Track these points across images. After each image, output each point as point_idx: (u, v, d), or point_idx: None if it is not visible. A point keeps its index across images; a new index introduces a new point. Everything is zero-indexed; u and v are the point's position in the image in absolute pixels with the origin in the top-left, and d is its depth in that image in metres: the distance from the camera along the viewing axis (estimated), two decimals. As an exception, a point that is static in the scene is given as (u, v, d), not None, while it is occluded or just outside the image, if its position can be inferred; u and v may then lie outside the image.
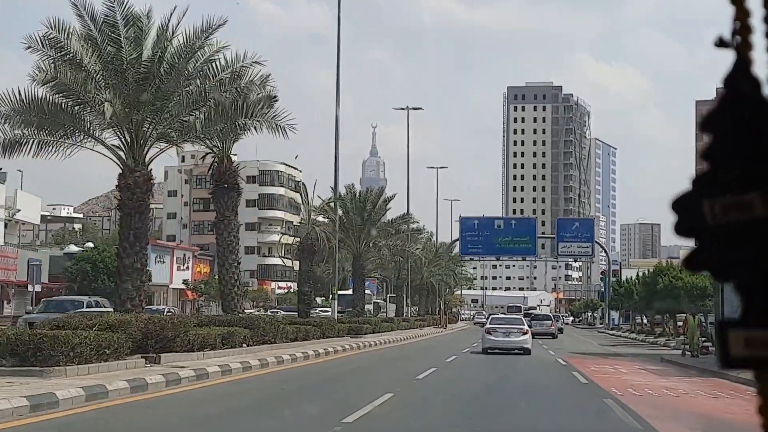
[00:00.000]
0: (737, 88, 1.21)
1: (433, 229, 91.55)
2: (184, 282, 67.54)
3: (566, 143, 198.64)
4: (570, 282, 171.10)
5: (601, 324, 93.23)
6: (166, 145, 23.71)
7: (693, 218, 1.21)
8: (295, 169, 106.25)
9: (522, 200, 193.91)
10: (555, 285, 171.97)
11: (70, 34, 21.97)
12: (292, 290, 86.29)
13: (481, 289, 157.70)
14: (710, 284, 36.94)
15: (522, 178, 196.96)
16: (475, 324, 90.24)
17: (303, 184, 50.47)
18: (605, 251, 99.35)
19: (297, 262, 47.07)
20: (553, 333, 55.85)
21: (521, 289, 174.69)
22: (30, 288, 44.67)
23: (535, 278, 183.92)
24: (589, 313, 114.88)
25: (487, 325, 34.88)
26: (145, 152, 22.64)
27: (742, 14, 1.21)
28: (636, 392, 17.75)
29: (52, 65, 21.65)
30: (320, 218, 48.90)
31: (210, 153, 30.82)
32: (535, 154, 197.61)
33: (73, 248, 63.92)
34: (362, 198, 52.80)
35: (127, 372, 16.39)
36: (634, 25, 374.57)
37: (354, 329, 39.89)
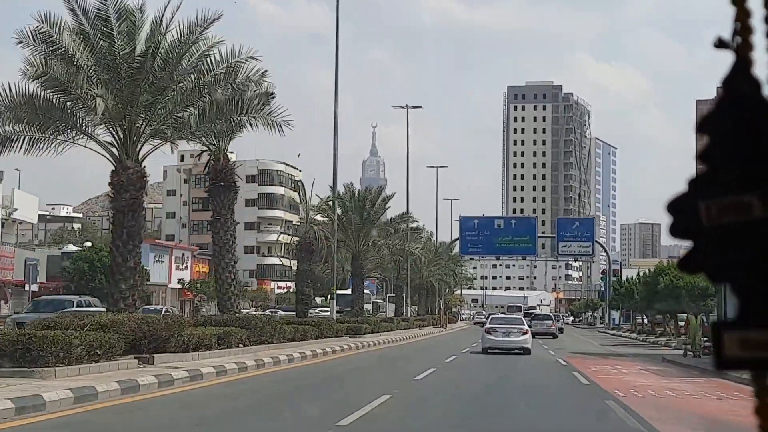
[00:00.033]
0: (737, 88, 1.20)
1: (433, 228, 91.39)
2: (180, 281, 67.18)
3: (566, 143, 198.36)
4: (570, 282, 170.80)
5: (601, 324, 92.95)
6: (160, 141, 23.33)
7: (689, 220, 1.21)
8: (295, 168, 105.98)
9: (522, 200, 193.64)
10: (555, 285, 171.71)
11: (62, 29, 21.60)
12: (291, 290, 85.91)
13: (481, 288, 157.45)
14: (712, 284, 36.60)
15: (522, 177, 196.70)
16: (474, 324, 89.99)
17: (301, 182, 50.11)
18: (605, 251, 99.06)
19: (295, 262, 46.73)
20: (554, 333, 55.84)
21: (521, 288, 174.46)
22: (27, 288, 44.41)
23: (535, 278, 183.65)
24: (590, 313, 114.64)
25: (487, 325, 34.70)
26: (138, 149, 22.27)
27: (742, 15, 1.20)
28: (638, 393, 17.42)
29: (43, 60, 21.29)
30: (319, 218, 48.59)
31: (206, 151, 30.45)
32: (535, 154, 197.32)
33: (71, 248, 63.59)
34: (361, 197, 52.42)
35: (119, 373, 16.06)
36: (634, 25, 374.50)
37: (353, 329, 39.60)
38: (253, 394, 16.23)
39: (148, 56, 22.01)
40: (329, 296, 42.86)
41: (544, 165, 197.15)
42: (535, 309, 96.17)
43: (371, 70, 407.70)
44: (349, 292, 55.49)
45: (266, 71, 25.45)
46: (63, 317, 18.02)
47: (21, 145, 22.08)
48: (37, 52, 21.47)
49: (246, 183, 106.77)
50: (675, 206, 1.23)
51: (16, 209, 58.96)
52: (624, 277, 74.14)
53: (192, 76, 22.92)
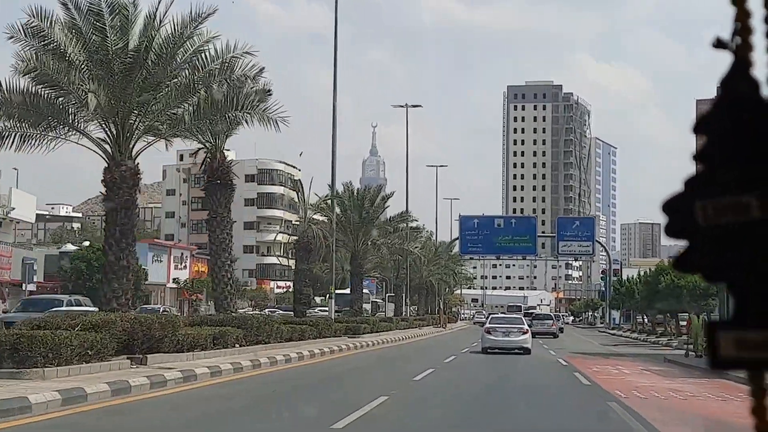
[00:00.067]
0: (735, 89, 1.20)
1: (432, 228, 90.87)
2: (175, 280, 66.85)
3: (566, 142, 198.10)
4: (570, 281, 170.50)
5: (601, 324, 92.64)
6: (154, 138, 22.96)
7: (685, 219, 1.21)
8: (294, 168, 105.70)
9: (522, 200, 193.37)
10: (555, 284, 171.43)
11: (54, 23, 21.24)
12: (291, 290, 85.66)
13: (481, 288, 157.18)
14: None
15: (522, 177, 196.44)
16: (474, 323, 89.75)
17: (300, 181, 49.77)
18: (606, 250, 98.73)
19: (294, 262, 46.41)
20: (555, 333, 55.95)
21: (521, 288, 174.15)
22: (24, 287, 44.10)
23: (535, 278, 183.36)
24: (590, 313, 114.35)
25: (487, 325, 34.58)
26: (131, 146, 21.90)
27: (743, 15, 1.20)
28: (641, 394, 17.09)
29: (35, 55, 20.93)
30: (318, 217, 48.25)
31: (203, 148, 30.09)
32: (535, 154, 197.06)
33: (70, 247, 63.34)
34: (360, 196, 52.07)
35: (111, 374, 15.71)
36: (634, 25, 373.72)
37: (351, 329, 39.29)
38: (248, 395, 15.91)
39: (142, 51, 21.65)
40: (328, 296, 42.53)
41: (544, 165, 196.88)
42: (535, 309, 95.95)
43: (371, 70, 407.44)
44: (348, 291, 55.15)
45: (263, 68, 25.16)
46: (54, 317, 17.64)
47: (12, 142, 21.73)
48: (28, 47, 21.13)
49: (245, 182, 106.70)
50: (671, 206, 1.23)
51: (14, 208, 58.61)
52: (624, 277, 73.80)
53: (186, 71, 22.57)
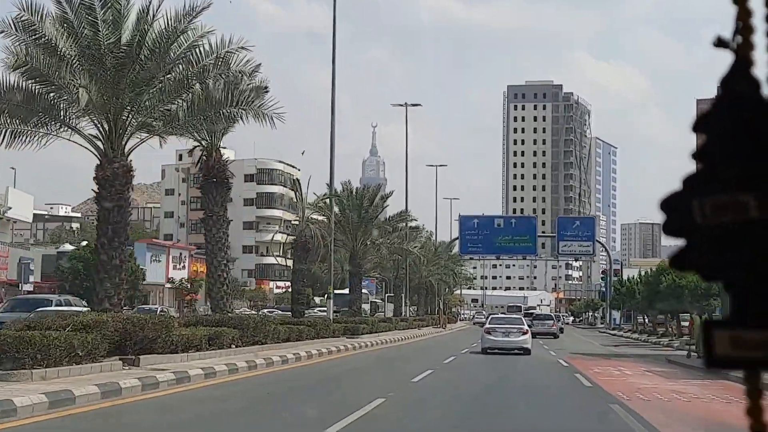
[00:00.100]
0: (736, 88, 1.20)
1: (432, 228, 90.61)
2: (170, 280, 66.49)
3: (566, 142, 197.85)
4: (570, 282, 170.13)
5: (602, 324, 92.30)
6: (148, 135, 22.58)
7: (683, 218, 1.22)
8: (294, 167, 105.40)
9: (522, 199, 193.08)
10: (555, 285, 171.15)
11: (44, 17, 20.83)
12: (290, 290, 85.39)
13: (481, 288, 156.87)
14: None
15: (522, 177, 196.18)
16: (474, 324, 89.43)
17: (298, 180, 49.37)
18: (606, 250, 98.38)
19: (292, 261, 46.04)
20: (555, 333, 55.98)
21: (521, 288, 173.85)
22: (21, 287, 43.76)
23: (535, 278, 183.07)
24: (590, 313, 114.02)
25: (487, 325, 34.49)
26: (124, 142, 21.51)
27: (744, 14, 1.21)
28: (644, 396, 16.74)
29: (25, 49, 20.53)
30: (318, 217, 47.83)
31: (198, 146, 29.70)
32: (535, 153, 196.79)
33: (68, 247, 63.07)
34: (359, 195, 51.68)
35: (101, 375, 15.35)
36: (633, 23, 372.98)
37: (350, 329, 38.96)
38: (241, 397, 15.59)
39: (134, 46, 21.26)
40: (326, 296, 42.18)
41: (544, 164, 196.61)
42: (535, 309, 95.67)
43: (370, 69, 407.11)
44: (347, 291, 54.80)
45: (260, 64, 24.84)
46: (44, 317, 17.28)
47: (3, 138, 21.33)
48: (18, 42, 20.71)
49: (244, 182, 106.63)
50: (669, 204, 1.23)
51: (10, 208, 58.30)
52: (625, 277, 73.48)
53: (180, 66, 22.17)
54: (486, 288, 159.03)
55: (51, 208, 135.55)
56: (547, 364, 28.14)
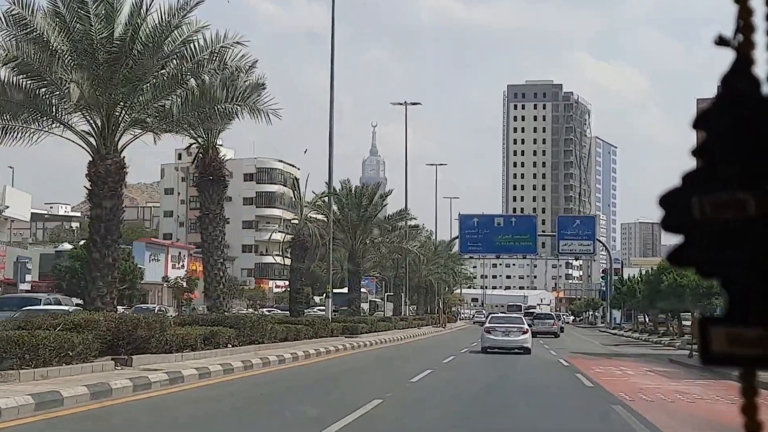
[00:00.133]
0: (736, 86, 1.21)
1: (432, 228, 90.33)
2: (164, 278, 66.16)
3: (566, 142, 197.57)
4: (570, 281, 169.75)
5: (602, 323, 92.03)
6: (141, 131, 22.20)
7: (682, 214, 1.22)
8: (293, 166, 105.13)
9: (522, 199, 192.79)
10: (555, 284, 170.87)
11: (35, 11, 20.45)
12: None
13: (481, 288, 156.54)
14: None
15: (522, 176, 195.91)
16: (474, 323, 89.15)
17: (296, 178, 49.04)
18: (606, 249, 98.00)
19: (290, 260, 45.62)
20: (556, 332, 55.96)
21: (521, 288, 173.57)
22: (18, 286, 43.56)
23: (535, 277, 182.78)
24: (590, 313, 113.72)
25: (487, 324, 34.36)
26: (117, 139, 21.13)
27: (745, 13, 1.22)
28: (647, 397, 16.40)
29: (16, 44, 20.15)
30: (318, 216, 47.45)
31: (194, 143, 29.33)
32: (535, 153, 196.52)
33: (66, 246, 62.74)
34: (358, 193, 51.32)
35: (92, 376, 15.00)
36: (633, 23, 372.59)
37: (349, 329, 38.65)
38: (237, 397, 15.26)
39: (127, 40, 20.87)
40: (325, 295, 41.85)
41: (544, 164, 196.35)
42: (535, 308, 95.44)
43: (370, 69, 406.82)
44: (346, 291, 54.46)
45: (257, 61, 24.53)
46: (35, 317, 16.94)
47: (-8, 134, 20.97)
48: (9, 36, 20.30)
49: (244, 181, 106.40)
50: (668, 200, 1.23)
51: (8, 207, 57.95)
52: (625, 276, 73.18)
53: (174, 61, 21.81)
54: (486, 287, 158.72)
55: (51, 207, 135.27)
56: (547, 363, 27.89)
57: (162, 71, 21.62)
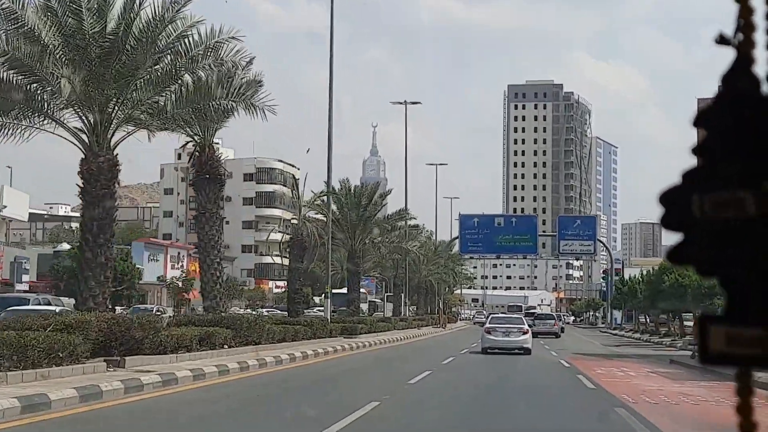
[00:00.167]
0: (737, 85, 1.21)
1: (432, 228, 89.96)
2: (159, 278, 65.85)
3: (567, 141, 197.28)
4: (571, 281, 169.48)
5: (603, 324, 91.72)
6: (134, 128, 21.83)
7: (682, 212, 1.22)
8: (293, 166, 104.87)
9: (522, 199, 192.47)
10: (556, 284, 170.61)
11: (26, 5, 20.06)
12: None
13: (482, 288, 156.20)
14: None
15: (522, 176, 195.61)
16: (475, 323, 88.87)
17: (295, 178, 48.72)
18: (607, 249, 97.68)
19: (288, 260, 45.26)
20: (557, 332, 55.88)
21: (522, 288, 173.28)
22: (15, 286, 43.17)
23: (535, 277, 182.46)
24: (591, 313, 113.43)
25: (487, 325, 34.18)
26: (110, 135, 20.77)
27: (746, 12, 1.22)
28: (650, 399, 16.06)
29: (6, 39, 19.78)
30: (317, 215, 47.11)
31: (191, 141, 28.97)
32: (535, 153, 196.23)
33: (65, 246, 62.39)
34: (357, 193, 50.96)
35: (83, 378, 14.65)
36: (632, 23, 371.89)
37: (348, 329, 38.33)
38: (232, 399, 14.96)
39: (120, 35, 20.47)
40: (324, 295, 41.52)
41: (544, 164, 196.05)
42: (536, 309, 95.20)
43: (369, 69, 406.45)
44: (345, 291, 54.13)
45: (254, 57, 24.22)
46: (25, 317, 16.59)
47: (-19, 131, 20.58)
48: (-1, 31, 20.00)
49: (243, 181, 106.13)
50: (668, 198, 1.23)
51: (5, 206, 57.61)
52: (626, 276, 72.87)
53: (168, 57, 21.43)
54: (486, 287, 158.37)
55: (50, 207, 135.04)
56: (548, 364, 27.61)
57: (156, 67, 21.24)
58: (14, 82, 20.32)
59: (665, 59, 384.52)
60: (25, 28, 19.91)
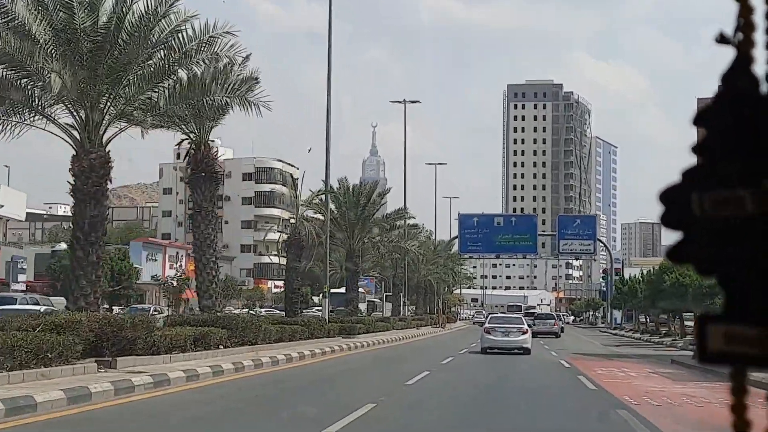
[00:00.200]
0: (736, 84, 1.22)
1: (432, 228, 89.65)
2: (153, 278, 65.59)
3: (567, 141, 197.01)
4: (570, 281, 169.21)
5: (602, 324, 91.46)
6: (127, 124, 21.47)
7: (682, 210, 1.23)
8: (293, 166, 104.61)
9: (522, 199, 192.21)
10: (555, 284, 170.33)
11: (16, -1, 19.79)
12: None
13: (481, 288, 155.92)
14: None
15: (522, 176, 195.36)
16: (474, 323, 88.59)
17: (291, 176, 48.39)
18: (607, 249, 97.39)
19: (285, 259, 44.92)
20: (557, 332, 55.82)
21: (521, 288, 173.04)
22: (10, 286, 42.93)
23: (535, 277, 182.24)
24: (591, 313, 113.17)
25: (486, 325, 34.03)
26: (102, 132, 20.42)
27: (746, 11, 1.23)
28: (653, 401, 15.73)
29: (-6, 33, 19.46)
30: (316, 215, 46.78)
31: (186, 139, 28.63)
32: (535, 153, 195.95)
33: (63, 246, 62.08)
34: (356, 192, 50.62)
35: (72, 379, 14.31)
36: (632, 23, 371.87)
37: (346, 329, 38.02)
38: (225, 400, 14.64)
39: (112, 29, 20.11)
40: (321, 294, 41.20)
41: (544, 164, 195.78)
42: (535, 308, 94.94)
43: (369, 69, 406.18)
44: (344, 290, 53.82)
45: (250, 54, 23.93)
46: (14, 317, 16.26)
47: (-30, 127, 20.23)
48: (-12, 25, 19.63)
49: (243, 181, 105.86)
50: (668, 196, 1.22)
51: (2, 206, 57.36)
52: (626, 276, 72.61)
53: (162, 52, 21.08)
54: (486, 287, 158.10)
55: (50, 207, 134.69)
56: (548, 364, 27.36)
57: (149, 62, 20.90)
58: (4, 77, 19.98)
59: (665, 59, 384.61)
60: (15, 22, 19.55)
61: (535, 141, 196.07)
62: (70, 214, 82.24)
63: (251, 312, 44.54)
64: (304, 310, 48.53)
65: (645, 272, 58.34)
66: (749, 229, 1.16)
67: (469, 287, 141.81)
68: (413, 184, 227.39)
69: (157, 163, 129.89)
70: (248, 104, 22.60)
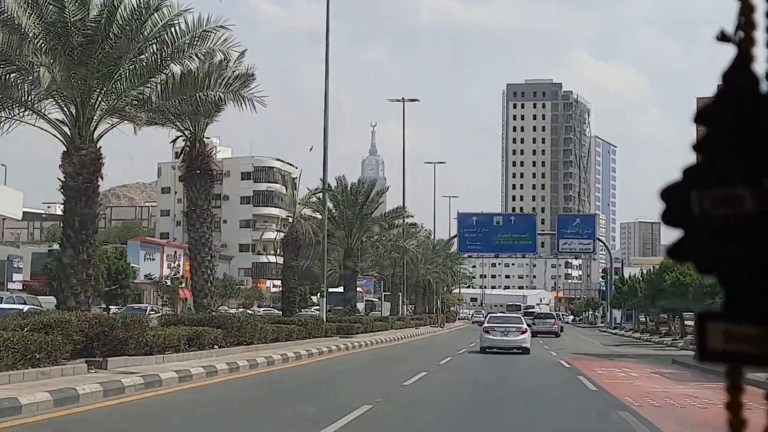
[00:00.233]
0: (737, 83, 1.22)
1: (431, 227, 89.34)
2: (147, 276, 65.24)
3: (566, 141, 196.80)
4: (570, 281, 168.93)
5: (602, 323, 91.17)
6: (118, 120, 21.11)
7: (682, 208, 1.23)
8: (291, 165, 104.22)
9: (521, 198, 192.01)
10: (555, 283, 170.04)
11: (6, -8, 19.42)
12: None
13: (480, 287, 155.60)
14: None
15: (521, 176, 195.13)
16: (473, 323, 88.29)
17: (289, 174, 48.08)
18: (607, 248, 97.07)
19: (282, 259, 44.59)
20: (556, 332, 55.78)
21: (521, 287, 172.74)
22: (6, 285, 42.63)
23: (534, 277, 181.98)
24: (590, 312, 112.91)
25: (486, 324, 33.86)
26: (93, 128, 20.07)
27: (747, 10, 1.23)
28: (655, 402, 15.41)
29: (-18, 27, 19.10)
30: (314, 213, 46.46)
31: (181, 136, 28.26)
32: (534, 152, 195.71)
33: (60, 245, 61.62)
34: (354, 190, 50.29)
35: (60, 380, 13.96)
36: (632, 23, 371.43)
37: (344, 329, 37.70)
38: (219, 401, 14.35)
39: (103, 23, 19.75)
40: (319, 294, 40.85)
41: (543, 164, 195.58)
42: (534, 308, 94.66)
43: (369, 69, 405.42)
44: (342, 290, 53.49)
45: (245, 50, 23.57)
46: (4, 317, 15.92)
47: (-41, 123, 19.86)
48: (-24, 19, 19.27)
49: (241, 180, 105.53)
50: (668, 194, 1.22)
51: (-2, 205, 56.95)
52: (625, 276, 72.33)
53: (154, 46, 20.73)
54: (485, 287, 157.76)
55: (48, 207, 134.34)
56: (548, 364, 27.08)
57: (141, 56, 20.55)
58: (-7, 72, 19.63)
59: (665, 59, 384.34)
60: (4, 15, 19.18)
61: (534, 140, 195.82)
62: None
63: (247, 311, 44.19)
64: (302, 310, 48.23)
65: (645, 271, 58.11)
66: (749, 228, 1.15)
67: (468, 287, 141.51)
68: (413, 184, 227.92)
69: (156, 162, 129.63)
70: (242, 99, 22.25)
